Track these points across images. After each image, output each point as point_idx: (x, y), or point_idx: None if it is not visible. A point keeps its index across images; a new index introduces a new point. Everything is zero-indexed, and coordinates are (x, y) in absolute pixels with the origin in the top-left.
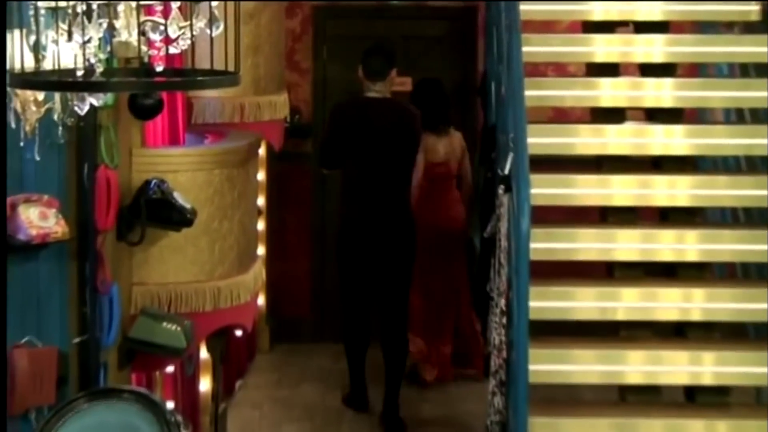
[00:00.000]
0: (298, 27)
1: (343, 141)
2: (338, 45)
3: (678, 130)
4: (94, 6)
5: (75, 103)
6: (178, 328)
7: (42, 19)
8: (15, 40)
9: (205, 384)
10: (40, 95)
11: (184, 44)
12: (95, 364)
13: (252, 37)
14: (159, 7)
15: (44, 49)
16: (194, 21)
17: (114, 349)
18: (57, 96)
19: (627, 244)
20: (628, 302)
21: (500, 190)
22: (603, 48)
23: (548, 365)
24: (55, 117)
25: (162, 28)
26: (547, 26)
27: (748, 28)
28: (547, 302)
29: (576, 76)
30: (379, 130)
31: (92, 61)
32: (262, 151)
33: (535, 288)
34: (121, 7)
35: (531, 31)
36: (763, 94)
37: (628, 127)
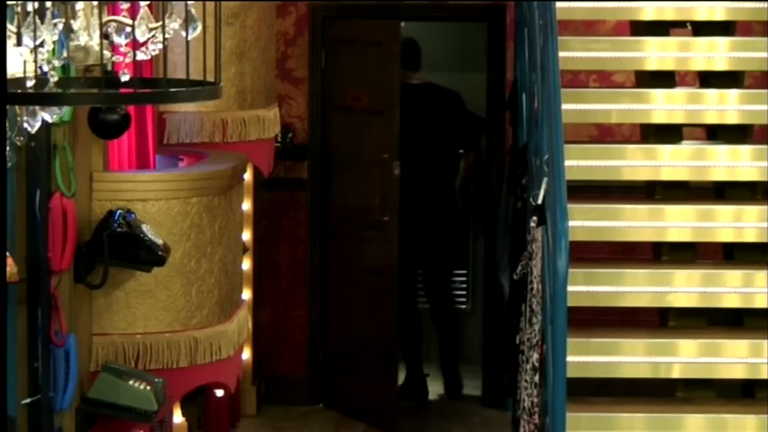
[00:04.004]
0: (291, 29)
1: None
2: (339, 50)
3: (745, 151)
4: (48, 4)
5: (24, 118)
6: (148, 388)
7: None
8: None
9: None
10: None
11: (154, 49)
12: (48, 429)
13: (236, 41)
14: (125, 6)
15: None
16: (167, 21)
17: (70, 413)
18: None
19: (684, 288)
20: (686, 357)
21: (532, 222)
22: (656, 53)
23: None
24: None
25: (128, 29)
26: (589, 27)
27: None
28: (589, 357)
29: (624, 87)
30: (424, 115)
31: (45, 68)
32: (248, 176)
33: (575, 340)
34: (79, 6)
35: (570, 34)
36: None
37: (686, 147)
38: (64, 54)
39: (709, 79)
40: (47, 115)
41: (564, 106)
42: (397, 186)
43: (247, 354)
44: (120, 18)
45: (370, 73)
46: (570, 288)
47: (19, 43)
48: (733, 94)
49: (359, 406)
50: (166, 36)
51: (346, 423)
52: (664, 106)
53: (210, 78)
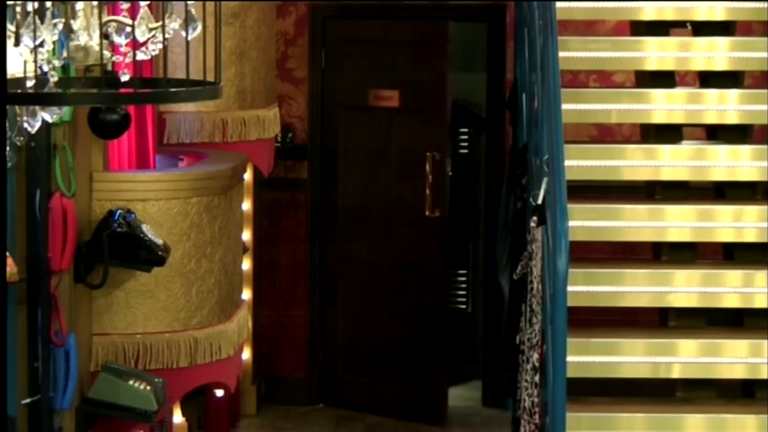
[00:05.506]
0: (291, 29)
1: None
2: (339, 50)
3: (745, 151)
4: (48, 4)
5: (24, 118)
6: (148, 388)
7: None
8: None
9: None
10: None
11: (154, 49)
12: (48, 429)
13: (236, 41)
14: (125, 5)
15: None
16: (167, 21)
17: (70, 413)
18: None
19: (684, 288)
20: (686, 357)
21: (532, 222)
22: (656, 53)
23: None
24: None
25: (128, 29)
26: (589, 27)
27: None
28: (589, 357)
29: (624, 87)
30: None
31: (45, 68)
32: (248, 176)
33: (575, 340)
34: (79, 5)
35: (570, 34)
36: None
37: (686, 147)
38: (64, 54)
39: (709, 79)
40: (47, 115)
41: (564, 106)
42: (448, 183)
43: (247, 354)
44: (120, 18)
45: (405, 73)
46: (570, 288)
47: (18, 43)
48: (733, 94)
49: (374, 403)
50: (166, 36)
51: (346, 423)
52: (664, 106)
53: (210, 78)
